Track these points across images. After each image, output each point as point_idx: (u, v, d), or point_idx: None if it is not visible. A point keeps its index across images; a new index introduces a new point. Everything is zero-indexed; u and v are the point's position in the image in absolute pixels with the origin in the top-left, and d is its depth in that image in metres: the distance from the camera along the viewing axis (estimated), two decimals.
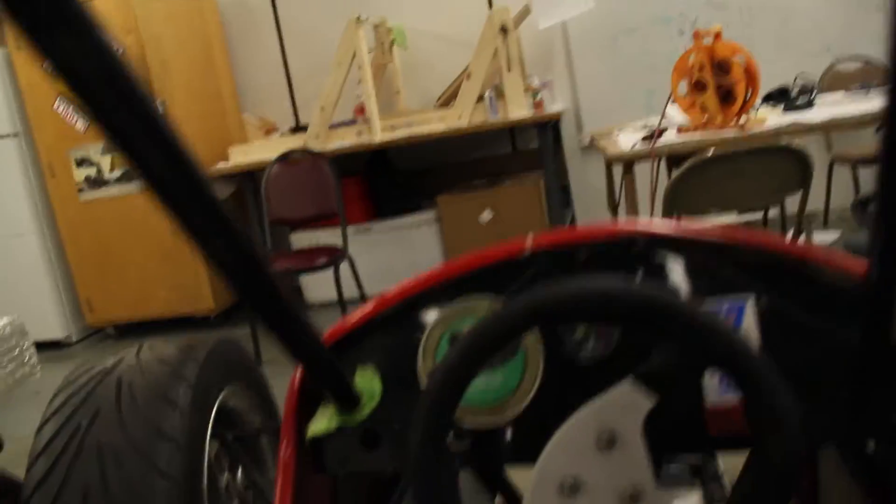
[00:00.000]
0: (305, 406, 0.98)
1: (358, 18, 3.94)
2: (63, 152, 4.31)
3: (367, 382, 0.97)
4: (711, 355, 0.70)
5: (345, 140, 4.19)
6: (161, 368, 1.38)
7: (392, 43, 4.32)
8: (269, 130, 4.59)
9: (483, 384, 0.93)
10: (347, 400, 0.94)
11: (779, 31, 4.23)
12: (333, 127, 4.23)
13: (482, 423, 0.93)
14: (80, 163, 4.32)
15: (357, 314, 0.98)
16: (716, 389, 0.90)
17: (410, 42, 4.41)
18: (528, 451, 0.85)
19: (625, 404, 0.75)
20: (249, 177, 4.28)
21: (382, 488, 1.16)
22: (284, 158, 3.80)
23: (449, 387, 0.74)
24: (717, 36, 2.95)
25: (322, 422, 0.96)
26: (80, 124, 4.19)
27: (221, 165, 4.31)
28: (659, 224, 0.94)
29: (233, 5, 4.69)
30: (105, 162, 4.29)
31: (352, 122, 4.31)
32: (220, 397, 1.49)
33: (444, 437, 0.76)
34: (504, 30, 3.90)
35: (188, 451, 1.30)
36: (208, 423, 1.40)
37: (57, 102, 4.19)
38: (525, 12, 4.08)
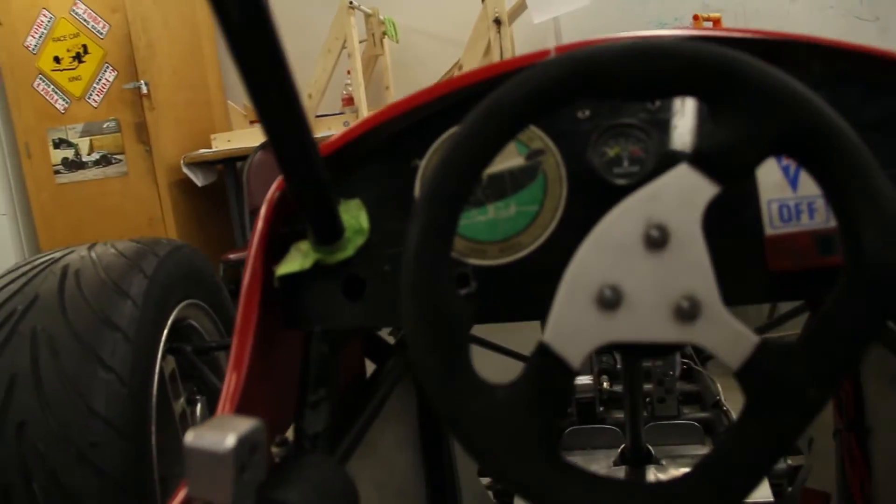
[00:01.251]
0: (276, 246, 0.84)
1: (350, 3, 3.86)
2: (41, 133, 4.17)
3: (353, 217, 0.83)
4: (786, 125, 0.57)
5: (331, 129, 4.08)
6: (116, 260, 1.25)
7: (384, 35, 4.24)
8: (254, 120, 4.49)
9: (492, 214, 0.81)
10: (329, 231, 0.80)
11: None
12: (320, 117, 4.13)
13: (492, 261, 0.80)
14: (58, 144, 4.19)
15: (340, 135, 0.85)
16: (776, 215, 0.78)
17: (402, 37, 4.33)
18: (543, 301, 0.66)
19: (681, 191, 0.59)
20: (231, 164, 4.16)
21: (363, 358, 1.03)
22: (267, 147, 3.69)
23: (467, 156, 0.61)
24: (717, 22, 2.89)
25: (296, 259, 0.82)
26: (60, 103, 4.07)
27: (203, 151, 4.19)
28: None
29: None
30: (84, 144, 4.16)
31: (339, 114, 4.21)
32: (180, 307, 1.36)
33: (450, 238, 0.62)
34: (498, 21, 3.83)
35: (137, 346, 1.16)
36: (164, 322, 1.26)
37: (37, 80, 4.08)
38: (520, 6, 4.01)
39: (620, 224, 0.60)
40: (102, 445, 1.07)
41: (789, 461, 1.49)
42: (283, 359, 0.88)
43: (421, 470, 1.16)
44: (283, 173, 0.71)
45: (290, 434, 0.87)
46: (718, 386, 1.87)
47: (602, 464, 1.55)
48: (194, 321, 1.43)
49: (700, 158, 0.59)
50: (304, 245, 0.82)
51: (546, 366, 0.61)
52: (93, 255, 1.26)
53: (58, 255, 1.25)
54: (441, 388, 0.61)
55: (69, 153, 4.18)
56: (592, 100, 0.77)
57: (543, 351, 0.61)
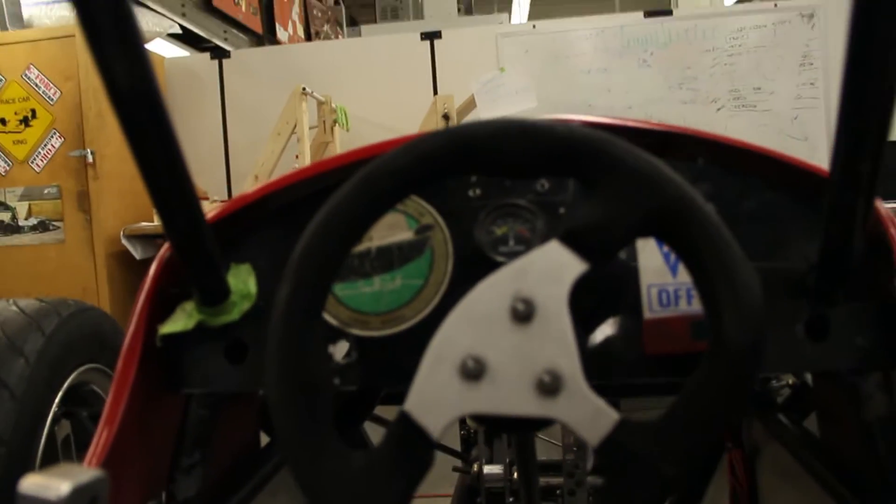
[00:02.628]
0: (160, 308, 0.84)
1: (303, 90, 3.94)
2: None
3: (241, 282, 0.82)
4: (651, 205, 0.59)
5: None
6: (14, 316, 1.22)
7: (335, 123, 4.31)
8: (201, 198, 4.48)
9: (377, 287, 0.81)
10: (213, 293, 0.80)
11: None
12: None
13: (373, 332, 0.80)
14: None
15: (236, 199, 0.86)
16: (655, 300, 0.80)
17: (353, 126, 4.42)
18: None
19: (549, 267, 0.60)
20: None
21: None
22: None
23: (340, 224, 0.62)
24: None
25: (179, 319, 0.81)
26: (1, 166, 4.03)
27: (145, 224, 4.16)
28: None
29: (179, 68, 4.66)
30: (22, 208, 4.10)
31: None
32: (82, 370, 1.32)
33: (319, 302, 0.62)
34: (447, 117, 3.93)
35: (24, 405, 1.13)
36: (59, 384, 1.23)
37: None
38: (469, 104, 4.13)
39: (488, 296, 0.61)
40: None
41: None
42: (163, 421, 0.86)
43: None
44: (167, 231, 0.71)
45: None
46: None
47: None
48: (97, 387, 1.40)
49: (570, 236, 0.61)
50: (189, 305, 0.82)
51: (406, 434, 0.60)
52: None
53: None
54: (296, 451, 0.60)
55: (6, 216, 4.11)
56: (470, 175, 0.80)
57: (404, 419, 0.60)
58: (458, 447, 1.97)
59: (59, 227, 4.07)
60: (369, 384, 0.80)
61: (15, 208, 4.10)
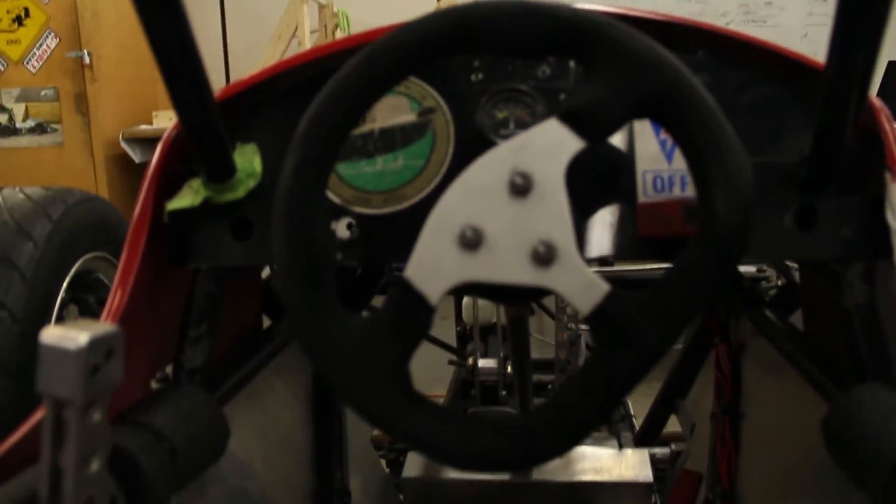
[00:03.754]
0: (167, 186, 0.86)
1: None
2: None
3: (247, 161, 0.85)
4: (649, 86, 0.60)
5: None
6: (21, 202, 1.24)
7: (336, 27, 4.25)
8: None
9: (380, 167, 0.83)
10: (220, 169, 0.82)
11: None
12: None
13: (375, 210, 0.83)
14: None
15: (241, 80, 0.87)
16: (650, 185, 0.82)
17: (354, 30, 4.35)
18: None
19: (547, 143, 0.62)
20: None
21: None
22: None
23: (342, 100, 0.63)
24: None
25: (186, 196, 0.83)
26: None
27: (144, 128, 4.14)
28: None
29: None
30: (18, 110, 4.07)
31: None
32: (87, 258, 1.35)
33: (324, 173, 0.64)
34: None
35: (34, 287, 1.17)
36: (67, 269, 1.26)
37: None
38: None
39: (487, 170, 0.63)
40: None
41: (672, 447, 1.54)
42: (170, 296, 0.89)
43: (309, 428, 1.17)
44: (176, 107, 0.72)
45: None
46: None
47: None
48: (102, 275, 1.43)
49: (568, 114, 0.62)
50: (196, 183, 0.84)
51: (405, 300, 0.63)
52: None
53: None
54: (301, 315, 0.63)
55: (3, 118, 4.09)
56: (472, 54, 0.80)
57: (403, 286, 0.63)
58: (454, 344, 2.02)
59: (57, 130, 4.05)
60: (371, 261, 0.83)
61: (11, 110, 4.08)
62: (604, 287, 0.62)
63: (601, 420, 0.62)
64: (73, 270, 1.28)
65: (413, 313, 0.63)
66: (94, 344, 0.57)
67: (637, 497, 1.44)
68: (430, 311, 0.63)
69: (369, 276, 1.25)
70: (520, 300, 0.83)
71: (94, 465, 0.59)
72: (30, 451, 0.59)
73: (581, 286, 0.62)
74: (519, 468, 1.40)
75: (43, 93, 4.03)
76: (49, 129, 4.06)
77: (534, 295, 0.67)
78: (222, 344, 0.95)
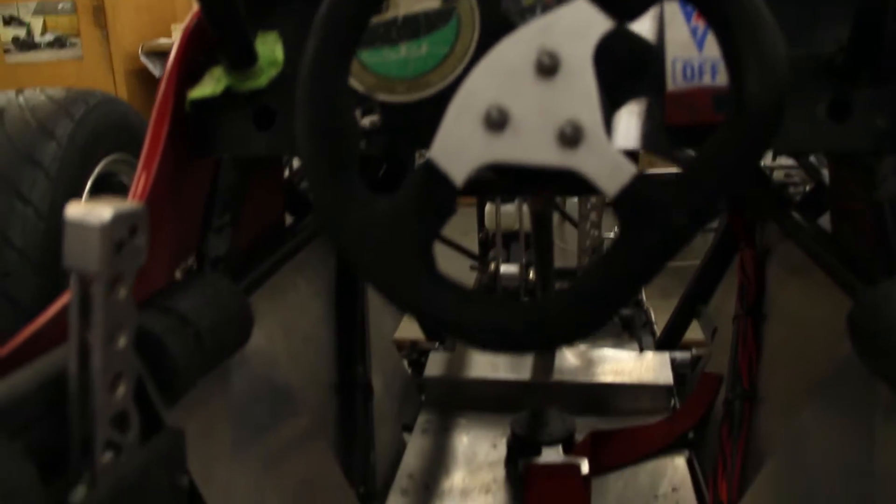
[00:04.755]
0: (189, 76, 0.85)
1: None
2: None
3: (269, 49, 0.83)
4: None
5: None
6: (43, 103, 1.24)
7: None
8: None
9: (404, 54, 0.82)
10: (241, 57, 0.80)
11: None
12: None
13: (399, 97, 0.81)
14: (8, 21, 4.06)
15: None
16: (679, 73, 0.80)
17: None
18: None
19: (576, 23, 0.59)
20: None
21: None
22: None
23: None
24: None
25: (208, 84, 0.83)
26: None
27: (164, 41, 4.10)
28: None
29: None
30: (36, 23, 4.04)
31: None
32: (110, 159, 1.35)
33: (347, 55, 0.63)
34: None
35: (59, 185, 1.17)
36: (90, 168, 1.26)
37: None
38: None
39: (513, 49, 0.61)
40: (16, 276, 1.08)
41: (693, 351, 1.55)
42: (193, 186, 0.89)
43: (331, 325, 1.19)
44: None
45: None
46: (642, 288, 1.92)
47: None
48: (125, 178, 1.43)
49: None
50: (218, 71, 0.83)
51: (429, 180, 0.62)
52: (20, 98, 1.25)
53: None
54: (326, 197, 0.62)
55: (21, 32, 4.06)
56: None
57: (428, 166, 0.62)
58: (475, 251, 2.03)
59: (76, 44, 4.02)
60: (395, 150, 0.82)
61: (30, 24, 4.04)
62: (631, 168, 0.60)
63: (626, 300, 0.62)
64: (96, 171, 1.28)
65: (437, 194, 0.62)
66: (118, 219, 0.57)
67: (656, 399, 1.46)
68: (454, 192, 0.63)
69: (393, 170, 1.24)
70: (547, 186, 0.82)
71: (121, 342, 0.60)
72: (58, 332, 0.59)
73: (609, 167, 0.61)
74: (541, 347, 1.42)
75: (60, 6, 3.99)
76: (68, 44, 4.03)
77: (559, 180, 0.65)
78: (245, 237, 0.95)
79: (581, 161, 0.61)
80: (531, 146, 0.61)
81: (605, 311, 0.62)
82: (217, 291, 0.77)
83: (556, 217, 2.45)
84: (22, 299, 1.07)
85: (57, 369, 0.58)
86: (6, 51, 4.07)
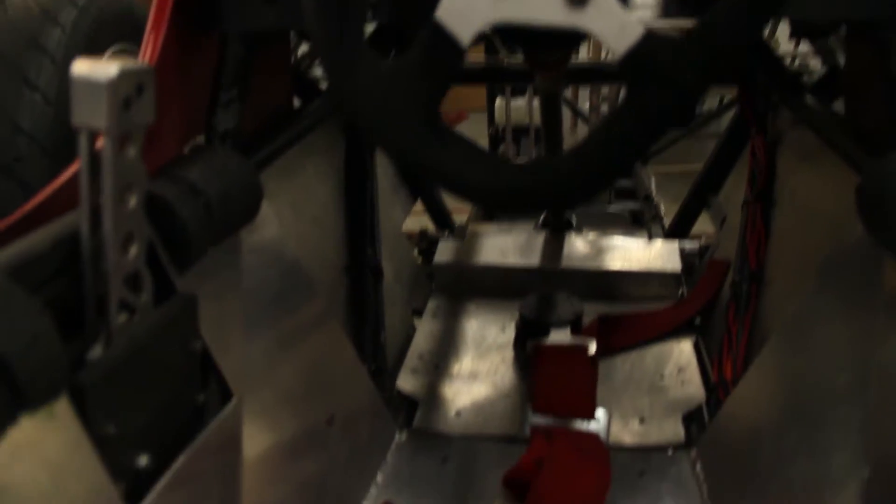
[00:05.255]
0: None
1: None
2: None
3: None
4: None
5: None
6: None
7: None
8: None
9: None
10: None
11: None
12: None
13: None
14: None
15: None
16: None
17: None
18: None
19: None
20: None
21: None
22: None
23: None
24: None
25: None
26: None
27: None
28: None
29: None
30: None
31: None
32: (116, 47, 1.34)
33: None
34: None
35: (65, 71, 1.15)
36: (97, 55, 1.25)
37: None
38: None
39: None
40: (27, 161, 1.09)
41: (702, 240, 1.56)
42: (200, 62, 0.88)
43: (340, 208, 1.19)
44: None
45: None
46: (653, 181, 1.92)
47: (524, 228, 1.62)
48: None
49: None
50: None
51: (436, 41, 0.62)
52: None
53: None
54: (331, 57, 0.62)
55: None
56: None
57: (434, 27, 0.62)
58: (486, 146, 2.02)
59: None
60: (399, 17, 0.81)
61: None
62: (639, 28, 0.60)
63: (634, 159, 0.62)
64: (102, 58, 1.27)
65: (443, 54, 0.62)
66: (125, 75, 0.57)
67: (665, 286, 1.47)
68: (461, 52, 0.62)
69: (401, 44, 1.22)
70: (556, 48, 0.80)
71: (131, 203, 0.60)
72: (69, 199, 0.60)
73: (617, 27, 0.60)
74: (547, 207, 1.42)
75: None
76: None
77: (567, 43, 0.65)
78: (253, 116, 0.95)
79: (589, 20, 0.60)
80: (538, 5, 0.60)
81: (612, 171, 0.63)
82: (226, 163, 0.77)
83: (568, 116, 2.43)
84: (34, 183, 1.08)
85: (70, 230, 0.59)
86: None
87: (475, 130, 1.97)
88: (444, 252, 1.54)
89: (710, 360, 1.28)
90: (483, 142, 2.09)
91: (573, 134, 2.16)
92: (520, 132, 1.89)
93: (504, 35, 0.68)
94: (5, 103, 1.09)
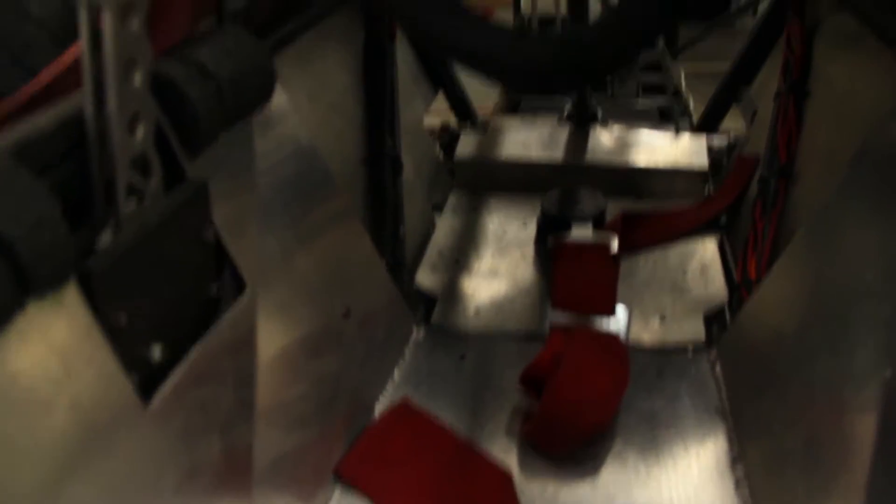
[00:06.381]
0: None
1: None
2: None
3: None
4: None
5: None
6: None
7: None
8: None
9: None
10: None
11: None
12: None
13: None
14: None
15: None
16: None
17: None
18: None
19: None
20: None
21: None
22: None
23: None
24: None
25: None
26: None
27: None
28: None
29: None
30: None
31: None
32: None
33: None
34: None
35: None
36: None
37: None
38: None
39: None
40: (36, 48, 1.05)
41: (731, 135, 1.51)
42: None
43: (359, 96, 1.16)
44: None
45: None
46: (682, 76, 1.86)
47: (548, 121, 1.58)
48: None
49: None
50: None
51: None
52: None
53: None
54: None
55: None
56: None
57: None
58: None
59: None
60: None
61: None
62: None
63: (657, 30, 0.59)
64: None
65: None
66: None
67: (690, 183, 1.44)
68: None
69: None
70: None
71: (136, 80, 0.58)
72: (76, 80, 0.58)
73: None
74: (571, 80, 1.39)
75: None
76: None
77: None
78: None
79: None
80: None
81: (634, 39, 0.59)
82: (238, 43, 0.74)
83: (595, 4, 2.33)
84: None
85: (74, 110, 0.57)
86: None
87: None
88: (466, 145, 1.51)
89: (735, 259, 1.25)
90: None
91: None
92: (546, 23, 1.82)
93: None
94: None
